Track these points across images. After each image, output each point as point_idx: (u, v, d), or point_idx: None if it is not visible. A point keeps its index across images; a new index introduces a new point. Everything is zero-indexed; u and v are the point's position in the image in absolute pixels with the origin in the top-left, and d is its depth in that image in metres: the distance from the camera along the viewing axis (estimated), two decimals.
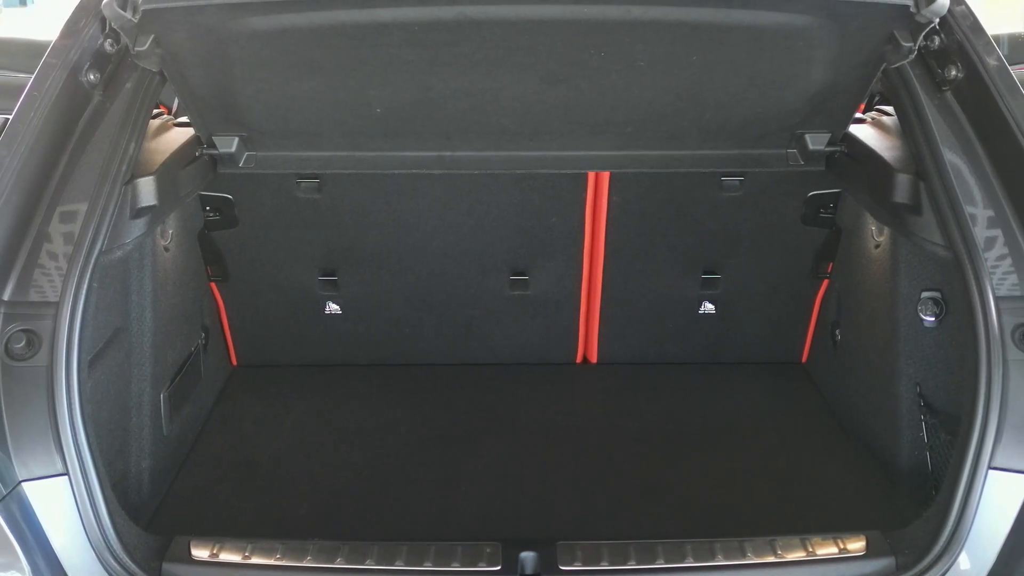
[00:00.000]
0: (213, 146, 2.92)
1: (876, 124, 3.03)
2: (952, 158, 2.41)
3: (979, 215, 2.34)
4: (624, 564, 2.17)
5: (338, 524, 2.67)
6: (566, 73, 2.60)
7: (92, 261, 2.24)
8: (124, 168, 2.39)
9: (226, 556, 2.21)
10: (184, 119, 3.02)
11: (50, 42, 2.49)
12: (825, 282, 3.35)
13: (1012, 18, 10.88)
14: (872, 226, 2.93)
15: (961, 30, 2.47)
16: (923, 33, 2.40)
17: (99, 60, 2.47)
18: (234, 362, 3.51)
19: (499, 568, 2.16)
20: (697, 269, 3.35)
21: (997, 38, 4.31)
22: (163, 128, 2.99)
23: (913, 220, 2.61)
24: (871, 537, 2.25)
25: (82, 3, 2.55)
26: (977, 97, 2.44)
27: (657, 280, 3.37)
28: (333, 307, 3.40)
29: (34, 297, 2.19)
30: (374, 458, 2.99)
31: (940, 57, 2.50)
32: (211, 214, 3.15)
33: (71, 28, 2.48)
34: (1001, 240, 2.30)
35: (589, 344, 3.53)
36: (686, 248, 3.33)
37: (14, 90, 2.95)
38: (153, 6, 2.28)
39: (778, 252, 3.32)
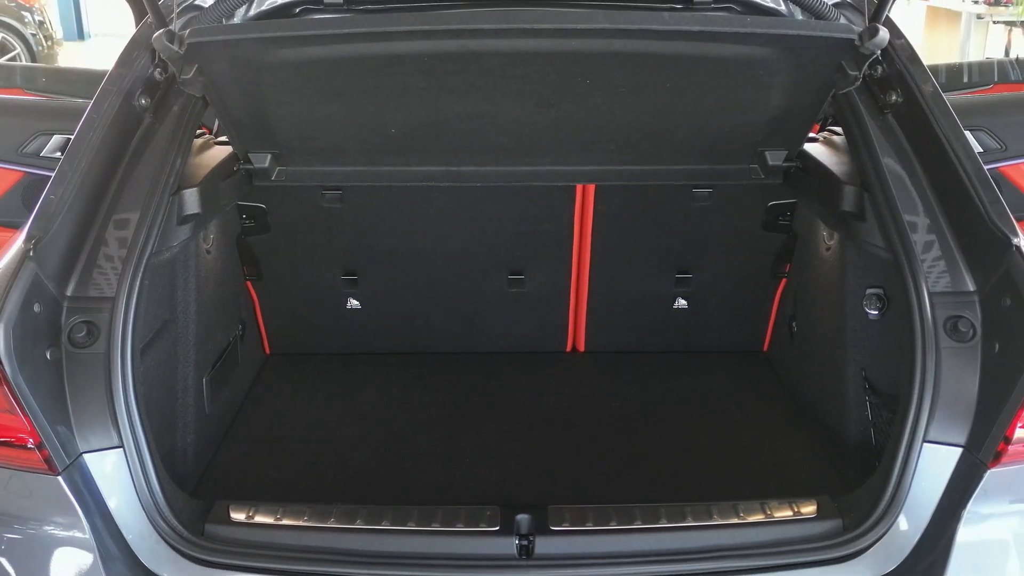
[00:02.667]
0: (249, 162, 2.93)
1: (827, 142, 3.05)
2: (892, 172, 2.42)
3: (916, 222, 2.35)
4: (606, 525, 2.19)
5: (357, 490, 2.68)
6: (556, 98, 2.61)
7: (144, 262, 2.26)
8: (171, 181, 2.41)
9: (260, 518, 2.23)
10: (223, 138, 3.03)
11: (106, 71, 2.51)
12: (783, 280, 3.36)
13: (950, 50, 10.89)
14: (823, 231, 2.95)
15: (900, 60, 2.49)
16: (867, 63, 2.42)
17: (149, 87, 2.49)
18: (267, 351, 3.52)
19: (498, 528, 2.18)
20: (672, 269, 3.36)
21: (935, 68, 4.32)
22: (205, 146, 3.01)
23: (859, 226, 2.63)
24: (821, 502, 2.26)
25: (135, 37, 2.57)
26: (914, 119, 2.45)
27: (637, 279, 3.39)
28: (354, 303, 3.41)
29: (93, 293, 2.21)
30: (389, 433, 3.01)
31: (882, 84, 2.52)
32: (247, 221, 3.16)
33: (125, 59, 2.50)
34: (935, 243, 2.32)
35: (578, 335, 3.54)
36: (662, 251, 3.34)
37: (75, 113, 2.96)
38: (197, 40, 2.29)
39: (742, 254, 3.33)
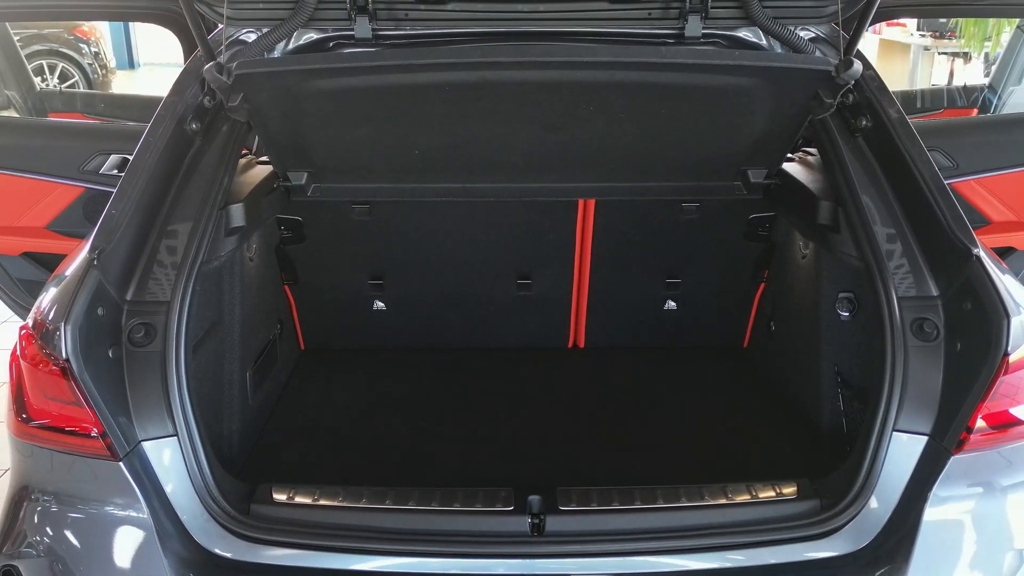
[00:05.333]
0: (287, 179, 2.90)
1: (803, 162, 3.02)
2: (863, 188, 2.39)
3: (885, 233, 2.32)
4: (609, 505, 2.17)
5: (385, 473, 2.65)
6: (563, 123, 2.58)
7: (195, 269, 2.23)
8: (219, 197, 2.38)
9: (300, 499, 2.20)
10: (264, 158, 3.00)
11: (155, 97, 2.48)
12: (762, 285, 3.33)
13: (901, 78, 10.87)
14: (800, 241, 2.92)
15: (870, 89, 2.47)
16: (841, 92, 2.39)
17: (200, 113, 2.46)
18: (302, 347, 3.49)
19: (512, 508, 2.15)
20: (663, 275, 3.33)
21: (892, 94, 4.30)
22: (248, 165, 2.97)
23: (832, 237, 2.60)
24: (801, 484, 2.23)
25: (186, 68, 2.55)
26: (882, 141, 2.43)
27: (631, 283, 3.36)
28: (379, 304, 3.38)
29: (150, 297, 2.18)
30: (412, 422, 2.98)
31: (854, 110, 2.49)
32: (285, 232, 3.13)
33: (178, 88, 2.47)
34: (902, 253, 2.29)
35: (578, 333, 3.51)
36: (654, 258, 3.31)
37: (129, 135, 2.93)
38: (243, 72, 2.27)
39: (725, 261, 3.30)
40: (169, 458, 2.08)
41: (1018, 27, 4.89)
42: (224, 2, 2.37)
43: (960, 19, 9.41)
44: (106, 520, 2.04)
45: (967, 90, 5.02)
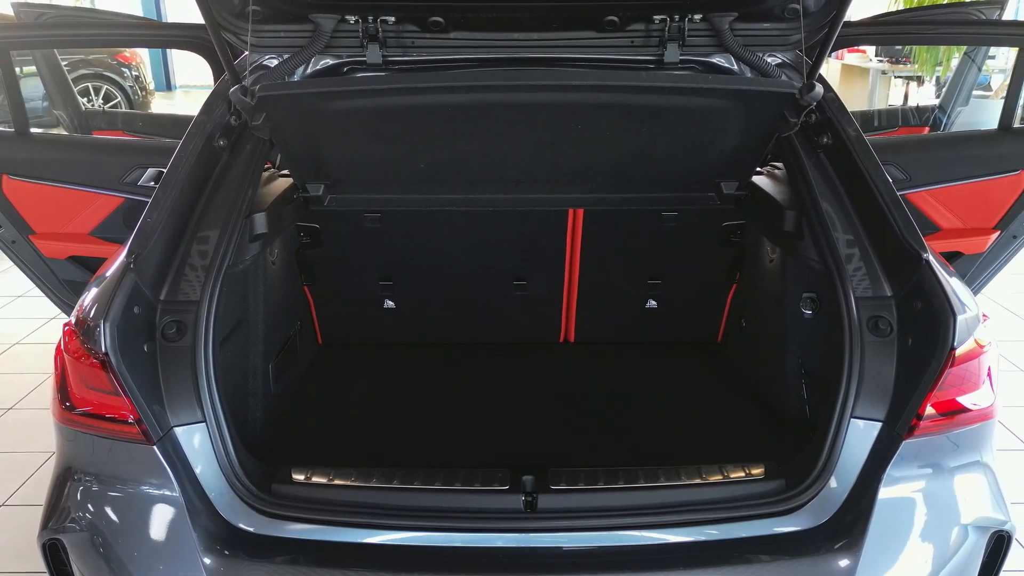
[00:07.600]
0: (306, 191, 2.89)
1: (771, 175, 3.01)
2: (825, 199, 2.39)
3: (843, 239, 2.31)
4: (595, 485, 2.16)
5: (393, 455, 2.65)
6: (554, 140, 2.58)
7: (222, 272, 2.22)
8: (244, 206, 2.37)
9: (316, 479, 2.19)
10: (285, 171, 3.00)
11: (188, 116, 2.48)
12: (734, 285, 3.32)
13: (861, 100, 10.87)
14: (768, 247, 2.91)
15: (831, 109, 2.46)
16: (804, 112, 2.39)
17: (226, 131, 2.46)
18: (320, 342, 3.48)
19: (508, 487, 2.14)
20: (645, 277, 3.32)
21: (853, 115, 4.30)
22: (271, 178, 2.97)
23: (797, 243, 2.60)
24: (768, 465, 2.22)
25: (215, 91, 2.54)
26: (841, 156, 2.42)
27: (617, 285, 3.35)
28: (389, 303, 3.37)
29: (181, 297, 2.17)
30: (418, 409, 2.97)
31: (816, 128, 2.49)
32: (304, 238, 3.13)
33: (207, 108, 2.47)
34: (858, 256, 2.28)
35: (569, 329, 3.50)
36: (637, 262, 3.30)
37: (165, 151, 2.92)
38: (266, 94, 2.27)
39: (701, 264, 3.30)
40: (198, 442, 2.07)
41: (965, 53, 4.88)
42: (248, 31, 2.37)
43: (914, 46, 9.42)
44: (142, 498, 2.03)
45: (920, 110, 5.01)
